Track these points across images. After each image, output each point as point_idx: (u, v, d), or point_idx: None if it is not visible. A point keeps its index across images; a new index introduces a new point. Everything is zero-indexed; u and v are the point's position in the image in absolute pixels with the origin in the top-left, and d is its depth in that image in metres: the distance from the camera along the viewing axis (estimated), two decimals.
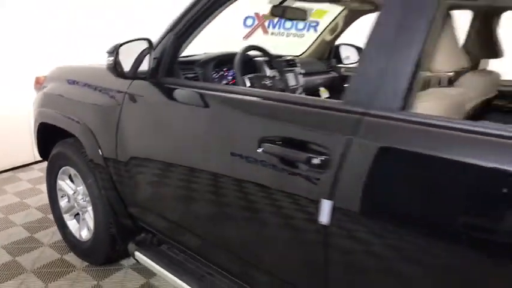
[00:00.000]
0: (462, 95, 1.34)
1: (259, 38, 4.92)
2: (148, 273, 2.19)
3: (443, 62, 1.21)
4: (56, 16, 3.67)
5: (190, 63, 1.86)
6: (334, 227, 1.07)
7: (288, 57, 2.32)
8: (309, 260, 1.18)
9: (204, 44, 2.13)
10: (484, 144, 0.88)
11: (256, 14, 4.76)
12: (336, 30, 2.56)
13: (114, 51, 1.42)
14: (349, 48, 2.81)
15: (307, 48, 2.81)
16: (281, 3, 1.99)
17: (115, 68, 1.44)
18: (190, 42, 1.61)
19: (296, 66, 2.27)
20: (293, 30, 4.83)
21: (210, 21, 1.54)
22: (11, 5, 3.35)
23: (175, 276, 1.66)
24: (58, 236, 2.47)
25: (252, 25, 4.81)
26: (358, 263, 1.06)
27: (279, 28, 4.88)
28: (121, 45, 1.44)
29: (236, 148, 1.31)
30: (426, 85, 1.47)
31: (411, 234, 0.97)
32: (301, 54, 2.79)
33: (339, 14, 2.47)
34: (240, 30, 4.81)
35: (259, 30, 4.96)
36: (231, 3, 1.49)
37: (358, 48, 2.77)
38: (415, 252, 0.96)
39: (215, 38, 2.66)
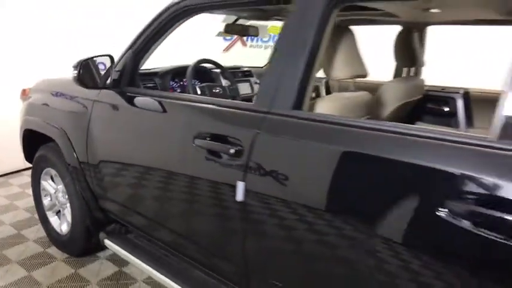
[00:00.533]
0: (357, 97, 1.62)
1: (238, 51, 5.24)
2: (121, 262, 2.45)
3: (341, 70, 1.50)
4: (51, 25, 3.89)
5: (151, 75, 2.16)
6: (247, 204, 1.34)
7: (245, 69, 2.61)
8: (231, 230, 1.45)
9: (187, 56, 2.42)
10: (350, 134, 1.16)
11: None
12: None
13: (78, 65, 1.71)
14: None
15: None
16: (234, 22, 2.28)
17: (79, 79, 1.73)
18: (147, 58, 1.90)
19: (252, 77, 2.55)
20: (270, 43, 5.15)
21: (162, 41, 1.83)
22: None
23: (137, 258, 1.92)
24: (42, 233, 2.73)
25: (231, 39, 5.13)
26: (265, 230, 1.32)
27: (257, 41, 5.20)
28: (84, 60, 1.73)
29: (179, 144, 1.59)
30: (334, 90, 1.76)
31: (300, 206, 1.23)
32: (264, 66, 3.08)
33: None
34: (220, 43, 5.13)
35: (239, 43, 5.28)
36: (178, 26, 1.79)
37: None
38: (305, 221, 1.23)
39: (197, 51, 2.95)
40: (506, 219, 0.87)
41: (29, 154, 2.64)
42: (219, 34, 4.23)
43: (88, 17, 4.10)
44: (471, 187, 0.93)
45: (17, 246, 2.63)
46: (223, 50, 5.17)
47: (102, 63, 1.92)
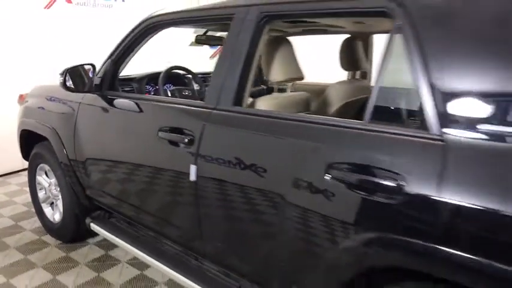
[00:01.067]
0: (293, 96, 1.95)
1: None
2: (107, 247, 2.76)
3: (278, 74, 1.82)
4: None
5: (130, 80, 2.48)
6: (198, 183, 1.66)
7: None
8: (189, 205, 1.76)
9: (177, 62, 2.75)
10: (273, 123, 1.48)
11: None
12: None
13: (64, 73, 2.04)
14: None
15: None
16: (204, 33, 2.60)
17: (64, 84, 2.05)
18: (125, 66, 2.23)
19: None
20: None
21: (136, 51, 2.16)
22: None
23: (117, 237, 2.24)
24: (38, 224, 3.04)
25: (217, 47, 5.47)
26: (212, 203, 1.64)
27: None
28: (69, 68, 2.06)
29: (147, 137, 1.91)
30: (274, 90, 2.08)
31: (236, 183, 1.54)
32: None
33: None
34: (207, 51, 5.48)
35: None
36: (150, 39, 2.12)
37: None
38: (239, 194, 1.54)
39: (187, 58, 3.24)
40: (373, 181, 1.18)
41: (25, 152, 2.96)
42: (192, 44, 4.46)
43: (84, 27, 4.45)
44: (349, 158, 1.25)
45: (14, 235, 2.95)
46: (210, 57, 5.51)
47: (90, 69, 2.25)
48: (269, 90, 2.93)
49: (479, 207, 0.99)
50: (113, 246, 2.75)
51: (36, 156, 2.84)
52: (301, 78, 1.90)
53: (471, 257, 0.99)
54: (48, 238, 2.90)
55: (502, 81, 1.06)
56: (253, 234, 1.55)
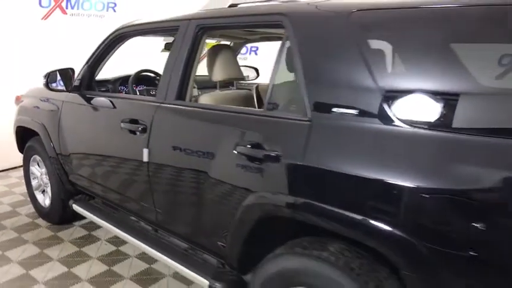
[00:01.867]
0: (231, 93, 2.33)
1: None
2: (90, 228, 3.15)
3: (219, 74, 2.20)
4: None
5: (106, 82, 2.89)
6: (149, 163, 2.05)
7: None
8: (144, 182, 2.14)
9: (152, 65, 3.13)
10: (203, 113, 1.86)
11: None
12: None
13: (46, 75, 2.44)
14: (248, 69, 3.81)
15: None
16: (173, 41, 2.99)
17: (46, 85, 2.46)
18: (100, 70, 2.64)
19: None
20: None
21: (108, 58, 2.57)
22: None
23: (94, 215, 2.63)
24: (32, 209, 3.45)
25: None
26: (160, 179, 2.02)
27: None
28: (51, 71, 2.46)
29: (114, 128, 2.30)
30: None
31: (178, 162, 1.93)
32: None
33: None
34: None
35: None
36: (119, 47, 2.52)
37: (255, 69, 3.78)
38: (180, 172, 1.92)
39: (160, 62, 3.58)
40: (264, 153, 1.54)
41: (21, 146, 3.38)
42: (162, 50, 4.64)
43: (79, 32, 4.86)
44: (252, 137, 1.62)
45: (11, 218, 3.37)
46: None
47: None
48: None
49: (333, 169, 1.36)
50: (95, 227, 3.15)
51: (29, 149, 3.25)
52: (241, 78, 2.29)
53: (331, 208, 1.34)
54: (40, 221, 3.31)
55: (352, 79, 1.42)
56: (189, 203, 1.93)
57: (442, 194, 1.13)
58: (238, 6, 1.95)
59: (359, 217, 1.28)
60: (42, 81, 2.49)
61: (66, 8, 4.83)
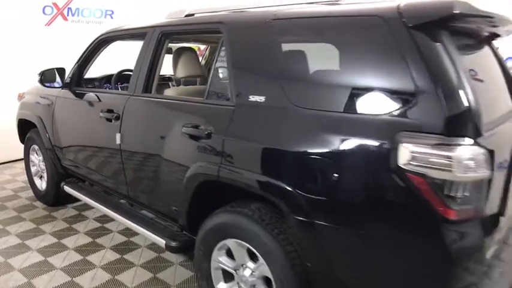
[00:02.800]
0: (187, 88, 2.74)
1: None
2: (81, 209, 3.58)
3: (182, 72, 2.61)
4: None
5: (93, 80, 3.33)
6: (121, 145, 2.47)
7: (167, 76, 3.74)
8: (118, 162, 2.56)
9: None
10: (159, 102, 2.28)
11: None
12: (207, 57, 3.99)
13: (40, 73, 2.89)
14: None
15: None
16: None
17: (41, 81, 2.91)
18: (88, 70, 3.08)
19: (171, 81, 3.69)
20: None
21: (94, 60, 3.01)
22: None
23: (81, 194, 3.05)
24: (32, 194, 3.90)
25: None
26: (130, 159, 2.44)
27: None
28: (44, 70, 2.91)
29: (95, 117, 2.72)
30: (179, 83, 2.88)
31: (141, 143, 2.34)
32: None
33: (207, 48, 3.92)
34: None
35: None
36: (103, 50, 2.96)
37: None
38: (142, 151, 2.33)
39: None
40: (201, 132, 1.94)
41: (22, 137, 3.83)
42: None
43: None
44: (194, 120, 2.02)
45: (13, 200, 3.82)
46: None
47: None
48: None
49: (246, 140, 1.77)
50: (86, 208, 3.58)
51: (29, 140, 3.71)
52: (203, 75, 2.70)
53: (244, 170, 1.75)
54: (37, 203, 3.76)
55: (264, 74, 1.81)
56: (150, 177, 2.35)
57: (313, 156, 1.53)
58: (194, 15, 2.37)
59: (262, 177, 1.68)
60: (37, 78, 2.93)
61: (67, 15, 5.32)
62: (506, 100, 2.01)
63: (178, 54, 2.60)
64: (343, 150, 1.46)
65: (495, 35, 2.11)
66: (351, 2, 1.66)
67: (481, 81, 1.63)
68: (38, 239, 3.05)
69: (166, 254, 2.82)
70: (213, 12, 2.24)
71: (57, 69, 2.98)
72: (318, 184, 1.53)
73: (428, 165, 1.27)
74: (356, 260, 1.51)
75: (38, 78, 2.92)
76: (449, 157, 1.25)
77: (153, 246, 2.92)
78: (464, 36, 1.69)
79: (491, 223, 1.47)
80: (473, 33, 1.77)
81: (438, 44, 1.37)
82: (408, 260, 1.38)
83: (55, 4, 5.20)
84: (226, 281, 2.04)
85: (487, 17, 1.52)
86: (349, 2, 1.67)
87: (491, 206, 1.44)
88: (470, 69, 1.65)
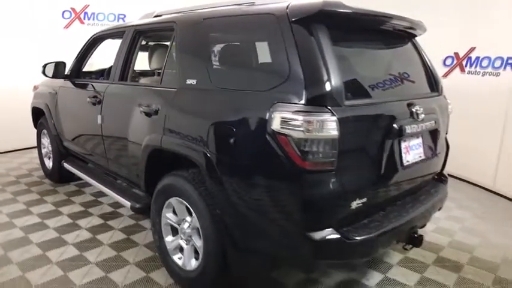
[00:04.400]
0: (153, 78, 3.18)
1: None
2: (82, 186, 4.13)
3: (154, 64, 3.07)
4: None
5: (91, 72, 3.87)
6: (102, 125, 2.95)
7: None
8: (99, 139, 3.05)
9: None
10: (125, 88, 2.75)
11: None
12: None
13: (43, 66, 3.44)
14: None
15: None
16: (146, 43, 3.93)
17: (44, 73, 3.46)
18: (85, 64, 3.61)
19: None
20: None
21: (90, 56, 3.53)
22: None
23: (77, 170, 3.58)
24: (42, 173, 4.50)
25: None
26: (108, 135, 2.92)
27: None
28: (47, 63, 3.46)
29: (85, 102, 3.23)
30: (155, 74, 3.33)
31: (114, 123, 2.82)
32: None
33: None
34: None
35: None
36: (98, 47, 3.48)
37: None
38: (116, 128, 2.81)
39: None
40: (151, 108, 2.39)
41: (35, 123, 4.44)
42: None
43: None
44: (149, 101, 2.46)
45: (26, 178, 4.43)
46: None
47: None
48: None
49: (179, 117, 2.19)
50: (86, 185, 4.12)
51: (40, 125, 4.30)
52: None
53: (179, 139, 2.17)
54: (46, 180, 4.35)
55: (197, 62, 2.23)
56: (120, 150, 2.82)
57: (220, 124, 1.94)
58: (162, 16, 2.83)
59: (187, 143, 2.11)
60: (40, 70, 3.49)
61: (84, 19, 5.96)
62: (416, 84, 2.35)
63: (151, 50, 3.07)
64: (240, 119, 1.86)
65: (411, 34, 2.45)
66: (264, 2, 2.05)
67: (362, 67, 1.98)
68: (40, 207, 3.60)
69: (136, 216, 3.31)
70: (174, 13, 2.69)
71: (58, 62, 3.52)
72: (221, 146, 1.93)
73: (290, 128, 1.65)
74: (247, 202, 1.87)
75: (41, 69, 3.48)
76: (302, 120, 1.62)
77: (134, 216, 3.40)
78: (358, 31, 2.05)
79: (358, 177, 1.81)
80: (379, 29, 2.12)
81: (310, 35, 1.74)
82: (280, 200, 1.74)
83: (73, 9, 5.86)
84: (173, 235, 2.46)
85: (362, 15, 1.87)
86: (262, 3, 2.06)
87: (355, 162, 1.79)
88: (355, 57, 2.01)
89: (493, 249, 3.07)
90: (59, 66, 3.51)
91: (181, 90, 2.26)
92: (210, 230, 2.07)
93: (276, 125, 1.69)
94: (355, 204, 1.78)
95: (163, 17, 2.71)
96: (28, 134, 5.15)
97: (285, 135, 1.66)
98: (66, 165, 3.76)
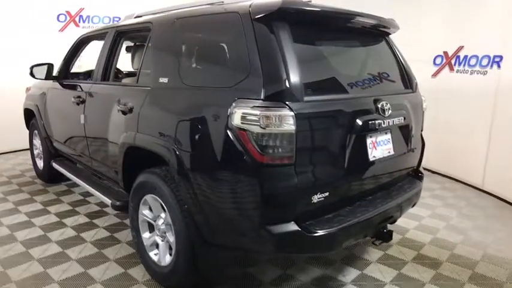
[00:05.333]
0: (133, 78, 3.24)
1: None
2: (71, 186, 4.19)
3: (134, 64, 3.12)
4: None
5: (79, 74, 3.94)
6: (84, 123, 3.01)
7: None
8: (83, 138, 3.11)
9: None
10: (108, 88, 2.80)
11: None
12: None
13: (31, 68, 3.51)
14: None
15: None
16: (134, 44, 3.99)
17: (32, 75, 3.53)
18: (73, 65, 3.67)
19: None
20: None
21: (77, 57, 3.60)
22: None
23: (64, 169, 3.64)
24: (34, 173, 4.57)
25: None
26: (90, 133, 2.97)
27: None
28: (34, 65, 3.53)
29: (71, 101, 3.29)
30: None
31: (96, 120, 2.87)
32: None
33: None
34: None
35: None
36: (84, 48, 3.54)
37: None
38: (98, 126, 2.86)
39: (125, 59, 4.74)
40: (127, 107, 2.43)
41: (27, 124, 4.51)
42: (126, 52, 5.43)
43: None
44: (126, 99, 2.51)
45: (18, 178, 4.51)
46: None
47: None
48: None
49: (150, 114, 2.23)
50: (76, 185, 4.18)
51: (32, 126, 4.38)
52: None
53: (148, 136, 2.22)
54: (37, 180, 4.42)
55: (169, 61, 2.28)
56: (101, 149, 2.87)
57: (185, 120, 1.97)
58: (142, 17, 2.89)
59: (157, 139, 2.15)
60: (28, 71, 3.56)
61: (79, 22, 6.05)
62: (386, 81, 2.37)
63: (133, 50, 3.13)
64: (204, 115, 1.90)
65: (384, 32, 2.48)
66: (232, 1, 2.08)
67: (328, 64, 2.01)
68: (29, 206, 3.66)
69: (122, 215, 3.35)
70: (152, 14, 2.74)
71: (45, 64, 3.59)
72: (188, 143, 1.97)
73: (249, 123, 1.68)
74: (211, 197, 1.90)
75: (28, 71, 3.55)
76: (260, 115, 1.65)
77: (120, 215, 3.44)
78: (326, 28, 2.08)
79: (318, 171, 1.84)
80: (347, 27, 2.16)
81: (271, 33, 1.78)
82: (241, 194, 1.77)
83: (68, 12, 5.96)
84: (150, 231, 2.50)
85: (324, 12, 1.91)
86: (230, 2, 2.09)
87: (315, 157, 1.82)
88: (320, 55, 2.04)
89: (473, 246, 3.07)
90: (47, 67, 3.57)
91: (154, 89, 2.31)
92: (180, 226, 2.11)
93: (236, 120, 1.72)
94: (316, 198, 1.80)
95: (142, 18, 2.77)
96: (24, 135, 5.24)
97: (245, 130, 1.69)
98: (55, 165, 3.83)
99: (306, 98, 1.75)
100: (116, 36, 2.94)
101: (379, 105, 2.06)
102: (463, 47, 4.63)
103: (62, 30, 5.93)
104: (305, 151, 1.75)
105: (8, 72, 5.51)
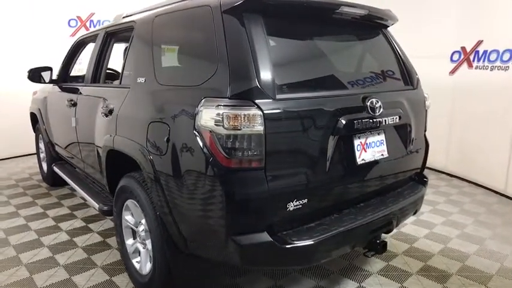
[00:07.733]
0: None
1: None
2: (73, 189, 4.17)
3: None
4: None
5: (78, 77, 3.92)
6: (76, 124, 2.96)
7: None
8: (76, 143, 3.06)
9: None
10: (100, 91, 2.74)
11: None
12: None
13: (29, 71, 3.51)
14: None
15: None
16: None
17: (28, 77, 3.53)
18: (72, 68, 3.65)
19: None
20: None
21: (75, 61, 3.57)
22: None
23: (62, 172, 3.62)
24: (40, 176, 4.61)
25: None
26: (81, 134, 2.92)
27: None
28: (32, 69, 3.52)
29: (66, 104, 3.26)
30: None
31: (86, 120, 2.81)
32: None
33: None
34: None
35: None
36: (82, 51, 3.51)
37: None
38: (88, 127, 2.80)
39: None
40: (107, 108, 2.35)
41: (34, 128, 4.56)
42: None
43: None
44: (108, 101, 2.43)
45: (25, 181, 4.55)
46: None
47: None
48: None
49: (130, 114, 2.13)
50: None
51: (37, 130, 4.41)
52: None
53: (126, 138, 2.12)
54: (43, 184, 4.44)
55: (147, 60, 2.17)
56: (88, 151, 2.80)
57: (157, 120, 1.86)
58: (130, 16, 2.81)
59: (131, 142, 2.05)
60: (26, 75, 3.57)
61: (90, 27, 6.10)
62: (380, 78, 2.17)
63: (124, 51, 3.05)
64: (173, 116, 1.77)
65: (381, 24, 2.29)
66: None
67: (310, 59, 1.84)
68: (29, 209, 3.66)
69: None
70: (137, 13, 2.65)
71: (44, 67, 3.59)
72: (158, 145, 1.84)
73: (214, 123, 1.54)
74: (179, 203, 1.78)
75: (26, 75, 3.55)
76: (225, 115, 1.51)
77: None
78: (311, 21, 1.91)
79: (295, 176, 1.67)
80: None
81: (241, 25, 1.63)
82: (208, 201, 1.62)
83: (79, 17, 6.03)
84: (134, 238, 2.40)
85: (300, 2, 1.74)
86: None
87: (291, 160, 1.65)
88: (301, 49, 1.88)
89: (489, 258, 2.80)
90: (45, 71, 3.57)
91: (131, 89, 2.22)
92: (155, 233, 1.99)
93: (202, 121, 1.59)
94: (292, 205, 1.64)
95: (128, 18, 2.68)
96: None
97: (210, 131, 1.55)
98: (56, 169, 3.82)
99: (279, 96, 1.59)
100: (106, 38, 2.87)
101: (368, 103, 1.87)
102: (482, 41, 4.31)
103: (73, 35, 5.99)
104: (277, 154, 1.59)
105: (22, 77, 5.60)
